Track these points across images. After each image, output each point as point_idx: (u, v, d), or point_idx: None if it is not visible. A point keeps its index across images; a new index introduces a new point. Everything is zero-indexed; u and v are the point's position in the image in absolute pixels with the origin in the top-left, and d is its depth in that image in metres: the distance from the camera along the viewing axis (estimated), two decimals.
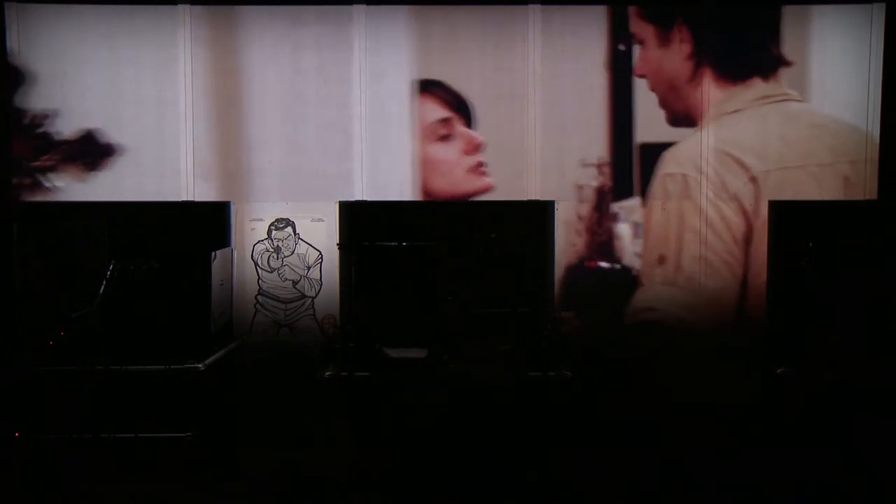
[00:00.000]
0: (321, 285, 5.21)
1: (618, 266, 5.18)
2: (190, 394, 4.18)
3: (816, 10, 5.13)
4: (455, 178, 5.18)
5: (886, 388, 4.15)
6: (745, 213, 5.14)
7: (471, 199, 5.17)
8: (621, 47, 5.15)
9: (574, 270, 5.17)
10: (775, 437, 4.32)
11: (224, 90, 5.16)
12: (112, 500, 4.07)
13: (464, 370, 4.22)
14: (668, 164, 5.17)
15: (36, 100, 5.10)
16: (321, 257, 5.20)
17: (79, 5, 5.10)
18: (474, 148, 5.17)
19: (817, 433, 4.18)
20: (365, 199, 5.15)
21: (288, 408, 4.92)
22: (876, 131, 5.12)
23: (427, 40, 5.15)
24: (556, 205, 4.95)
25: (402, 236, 4.57)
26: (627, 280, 5.17)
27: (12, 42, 5.07)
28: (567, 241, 5.15)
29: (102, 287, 4.07)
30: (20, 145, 5.09)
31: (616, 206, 5.19)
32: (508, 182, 5.18)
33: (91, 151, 5.13)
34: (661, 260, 5.16)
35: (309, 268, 5.21)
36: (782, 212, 4.70)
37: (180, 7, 5.13)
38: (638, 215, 5.19)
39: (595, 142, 5.18)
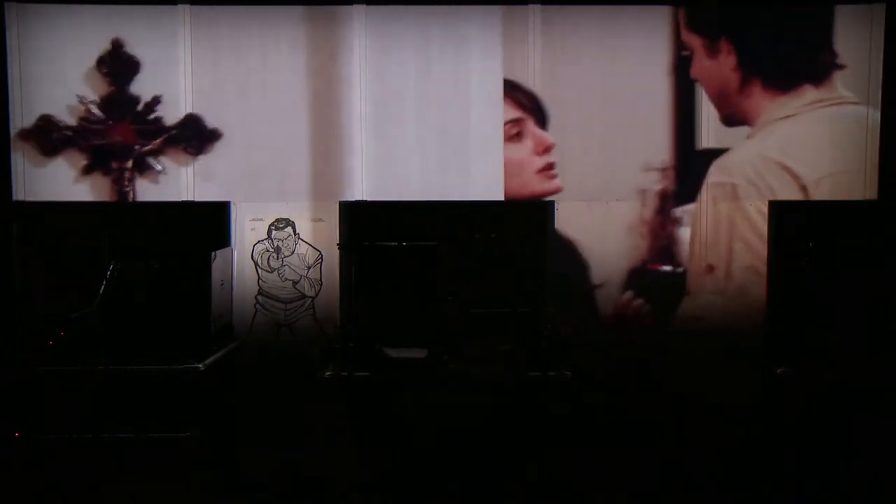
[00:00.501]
0: (321, 285, 5.21)
1: (680, 269, 5.17)
2: (190, 394, 4.18)
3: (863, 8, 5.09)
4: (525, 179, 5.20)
5: (886, 388, 4.15)
6: None
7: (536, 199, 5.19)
8: (685, 53, 5.13)
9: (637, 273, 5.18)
10: (775, 437, 4.32)
11: (224, 90, 5.17)
12: (112, 500, 4.07)
13: (464, 370, 4.22)
14: (717, 174, 5.13)
15: None
16: (321, 257, 5.21)
17: (79, 5, 5.10)
18: (545, 149, 5.17)
19: (817, 433, 4.18)
20: (365, 198, 5.16)
21: (288, 408, 4.92)
22: (876, 131, 5.11)
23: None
24: (556, 205, 4.96)
25: (402, 236, 4.57)
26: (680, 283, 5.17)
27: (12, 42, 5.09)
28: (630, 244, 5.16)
29: (102, 287, 4.07)
30: None
31: (679, 211, 5.18)
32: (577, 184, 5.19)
33: None
34: (710, 269, 5.15)
35: (309, 268, 5.21)
36: (782, 212, 4.70)
37: (180, 7, 5.13)
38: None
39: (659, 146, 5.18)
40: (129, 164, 5.12)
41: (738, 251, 5.13)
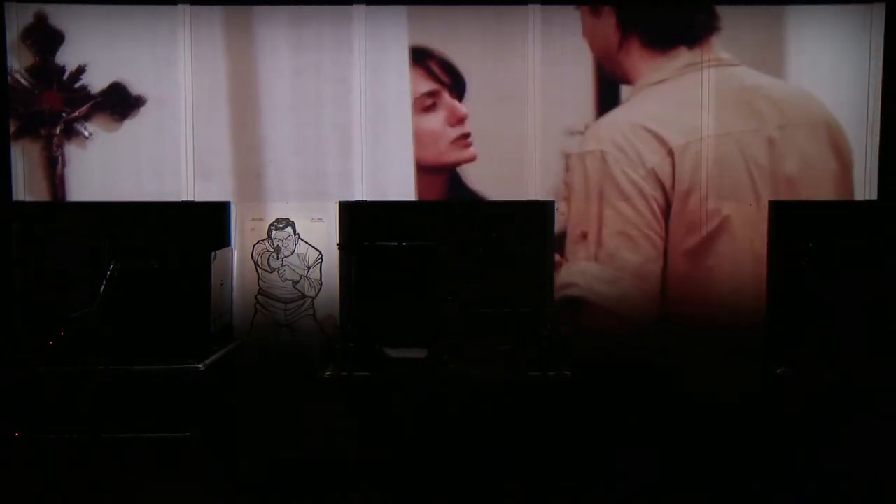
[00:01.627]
0: (321, 285, 5.21)
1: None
2: (190, 394, 4.18)
3: None
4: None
5: (886, 388, 4.15)
6: (662, 186, 5.13)
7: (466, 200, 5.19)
8: None
9: None
10: (775, 437, 4.32)
11: (225, 90, 5.17)
12: (112, 500, 4.07)
13: (464, 370, 4.22)
14: (588, 142, 5.16)
15: None
16: (321, 257, 5.20)
17: (79, 5, 5.10)
18: (458, 120, 5.17)
19: (817, 433, 4.18)
20: (365, 198, 5.15)
21: (288, 408, 4.92)
22: (876, 131, 5.12)
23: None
24: (555, 205, 4.96)
25: (402, 236, 4.57)
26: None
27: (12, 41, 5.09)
28: None
29: (102, 287, 4.07)
30: None
31: None
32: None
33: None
34: (584, 236, 5.16)
35: (309, 268, 5.21)
36: (782, 212, 4.70)
37: (180, 7, 5.13)
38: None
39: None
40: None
41: (609, 217, 5.15)
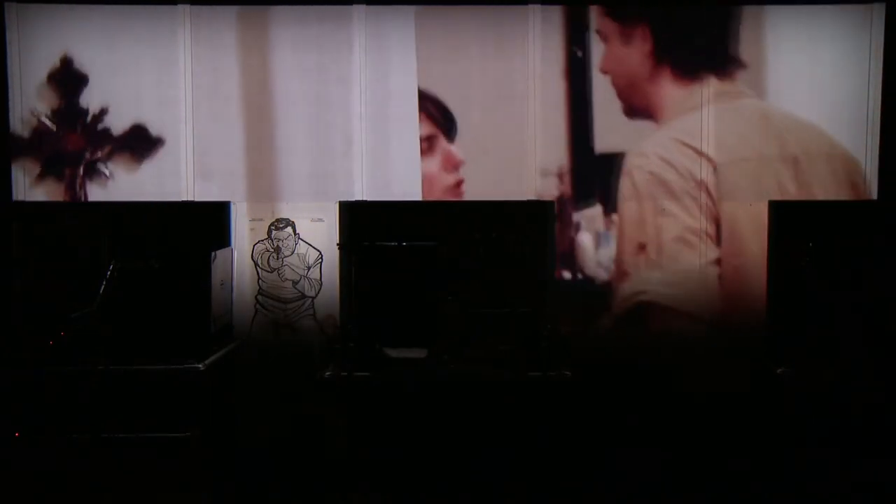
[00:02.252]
0: (321, 285, 5.21)
1: (580, 276, 5.22)
2: (190, 394, 4.18)
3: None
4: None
5: (886, 388, 4.15)
6: (711, 196, 5.18)
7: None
8: (579, 53, 5.20)
9: None
10: (775, 437, 4.32)
11: (224, 90, 5.17)
12: (112, 500, 4.07)
13: (464, 370, 4.22)
14: (633, 158, 5.20)
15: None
16: (321, 257, 5.21)
17: (79, 5, 5.10)
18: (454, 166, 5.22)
19: (817, 433, 4.18)
20: (365, 198, 5.16)
21: (288, 408, 4.92)
22: (876, 131, 5.12)
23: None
24: (555, 205, 4.96)
25: (402, 236, 4.57)
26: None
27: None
28: None
29: (102, 287, 4.07)
30: None
31: (577, 216, 5.23)
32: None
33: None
34: (642, 248, 5.20)
35: (309, 268, 5.21)
36: (782, 212, 4.70)
37: (180, 7, 5.13)
38: (600, 224, 5.23)
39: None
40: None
41: (664, 224, 5.19)
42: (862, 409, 4.15)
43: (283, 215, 5.21)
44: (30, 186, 5.17)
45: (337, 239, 4.91)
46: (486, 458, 4.17)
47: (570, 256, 5.23)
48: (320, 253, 5.21)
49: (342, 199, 4.96)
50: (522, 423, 4.17)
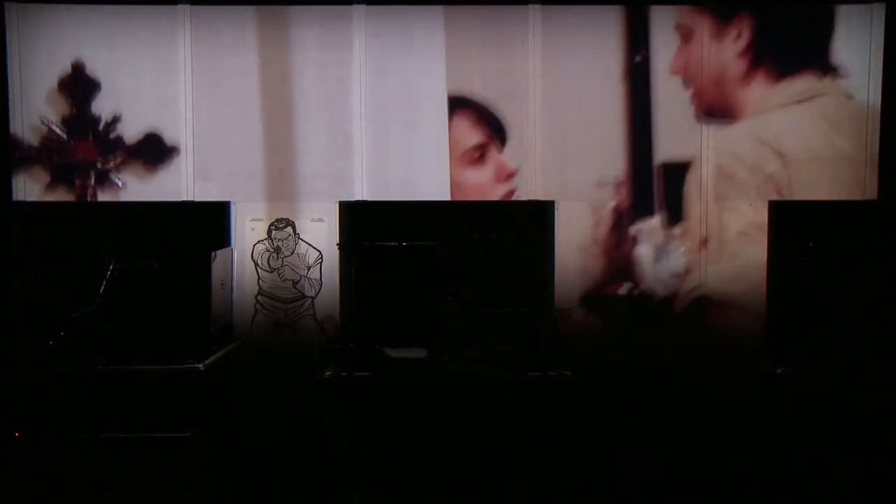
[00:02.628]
0: (321, 285, 5.21)
1: (636, 292, 5.16)
2: (190, 394, 4.18)
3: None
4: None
5: (886, 388, 4.15)
6: (780, 194, 5.12)
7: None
8: (638, 59, 5.11)
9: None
10: (775, 437, 4.32)
11: (225, 90, 5.18)
12: (112, 500, 4.07)
13: (464, 370, 4.22)
14: (714, 154, 5.12)
15: None
16: (321, 257, 5.21)
17: (79, 5, 5.10)
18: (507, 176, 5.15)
19: (817, 433, 4.18)
20: (365, 198, 5.15)
21: (288, 408, 4.92)
22: (876, 131, 5.12)
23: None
24: (556, 204, 4.96)
25: (402, 236, 4.57)
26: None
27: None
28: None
29: (102, 287, 4.07)
30: None
31: (634, 228, 5.18)
32: None
33: None
34: (704, 242, 5.14)
35: (309, 268, 5.21)
36: (782, 212, 4.70)
37: (180, 7, 5.13)
38: (658, 236, 5.15)
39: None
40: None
41: (729, 220, 5.14)
42: (862, 409, 4.15)
43: (283, 215, 5.21)
44: (39, 196, 5.11)
45: (337, 239, 4.91)
46: (486, 458, 4.17)
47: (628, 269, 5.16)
48: (320, 253, 5.21)
49: (342, 199, 4.96)
50: (522, 423, 4.17)
